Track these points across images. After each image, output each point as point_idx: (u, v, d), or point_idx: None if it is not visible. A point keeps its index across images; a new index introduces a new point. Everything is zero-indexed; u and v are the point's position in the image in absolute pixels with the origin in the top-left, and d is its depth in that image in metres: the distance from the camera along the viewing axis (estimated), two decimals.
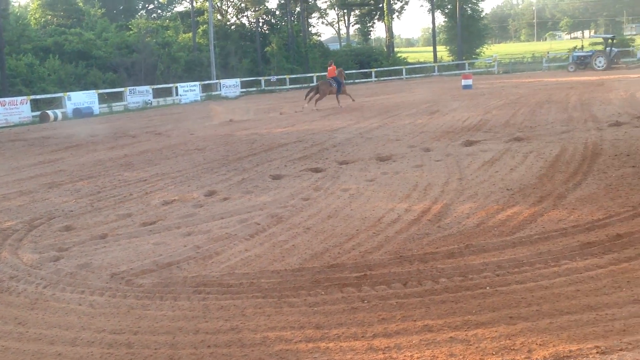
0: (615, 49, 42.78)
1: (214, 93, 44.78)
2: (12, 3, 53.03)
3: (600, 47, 45.41)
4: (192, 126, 23.11)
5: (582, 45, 51.39)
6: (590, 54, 43.18)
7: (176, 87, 42.20)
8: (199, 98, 42.63)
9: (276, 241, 7.38)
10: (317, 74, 51.61)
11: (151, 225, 8.43)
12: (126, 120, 29.11)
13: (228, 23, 62.70)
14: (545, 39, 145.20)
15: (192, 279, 6.15)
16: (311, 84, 49.24)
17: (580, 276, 5.46)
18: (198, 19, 56.10)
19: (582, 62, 42.39)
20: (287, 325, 4.90)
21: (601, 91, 24.05)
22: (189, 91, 42.48)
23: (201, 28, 55.41)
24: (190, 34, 53.45)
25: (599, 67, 40.59)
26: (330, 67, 28.13)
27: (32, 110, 32.26)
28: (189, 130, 21.42)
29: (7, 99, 31.66)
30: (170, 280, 6.16)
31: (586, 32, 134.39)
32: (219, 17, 61.34)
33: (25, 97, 32.51)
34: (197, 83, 44.01)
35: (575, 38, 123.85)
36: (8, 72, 36.90)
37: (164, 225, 8.42)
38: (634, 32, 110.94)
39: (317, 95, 27.19)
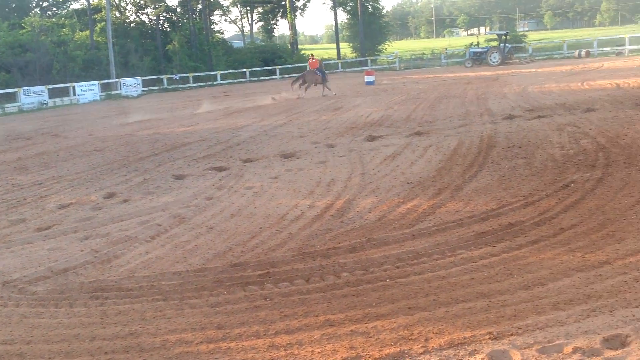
0: (508, 45, 44.55)
1: (114, 92, 43.47)
2: None
3: (495, 44, 47.13)
4: (91, 126, 22.36)
5: (478, 42, 53.28)
6: (485, 50, 44.76)
7: (73, 87, 40.64)
8: (98, 97, 41.26)
9: (178, 242, 7.27)
10: (221, 72, 51.10)
11: (46, 230, 8.11)
12: (20, 122, 27.78)
13: (127, 20, 60.95)
14: (444, 36, 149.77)
15: (89, 284, 5.95)
16: (216, 82, 48.80)
17: (474, 265, 5.67)
18: (95, 16, 54.26)
19: (478, 58, 43.90)
20: (188, 327, 4.83)
21: (496, 86, 25.01)
22: (87, 91, 41.03)
23: (99, 26, 53.62)
24: (88, 32, 51.64)
25: (493, 62, 42.16)
26: (312, 60, 30.08)
27: None
28: (87, 131, 20.71)
29: None
30: (66, 286, 5.95)
31: (482, 29, 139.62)
32: (118, 14, 59.52)
33: None
34: (95, 82, 42.56)
35: (471, 35, 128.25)
36: None
37: (60, 229, 8.12)
38: (526, 29, 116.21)
39: (305, 85, 28.42)
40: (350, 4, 66.30)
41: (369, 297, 5.15)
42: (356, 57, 61.99)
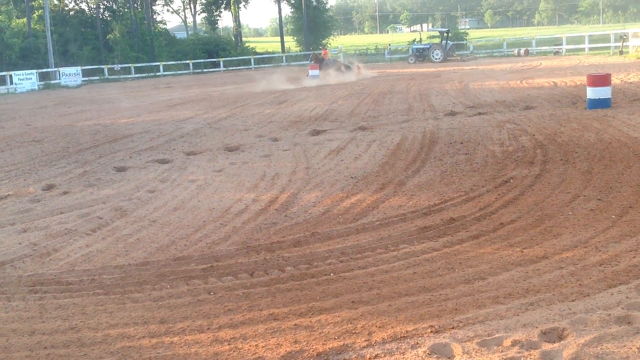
0: (450, 42, 45.31)
1: (53, 82, 42.35)
2: None
3: (437, 40, 47.85)
4: (28, 117, 21.76)
5: (421, 38, 53.80)
6: (428, 46, 45.37)
7: (10, 76, 39.44)
8: (36, 87, 40.14)
9: (120, 235, 7.17)
10: (164, 63, 50.34)
11: None
12: None
13: (66, 8, 59.40)
14: (387, 32, 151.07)
15: (27, 278, 5.82)
16: (159, 73, 48.01)
17: (417, 259, 5.77)
18: (33, 3, 52.66)
19: (421, 55, 44.49)
20: (130, 321, 4.77)
21: (438, 82, 25.40)
22: (24, 80, 39.86)
23: (36, 13, 52.01)
24: (25, 20, 50.08)
25: (436, 59, 42.79)
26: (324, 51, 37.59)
27: None
28: (25, 121, 20.15)
29: None
30: (4, 280, 5.80)
31: (425, 26, 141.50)
32: (56, 1, 57.93)
33: None
34: (33, 71, 41.39)
35: (415, 31, 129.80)
36: None
37: None
38: (467, 27, 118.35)
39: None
40: None
41: (313, 291, 5.18)
42: (300, 51, 61.99)
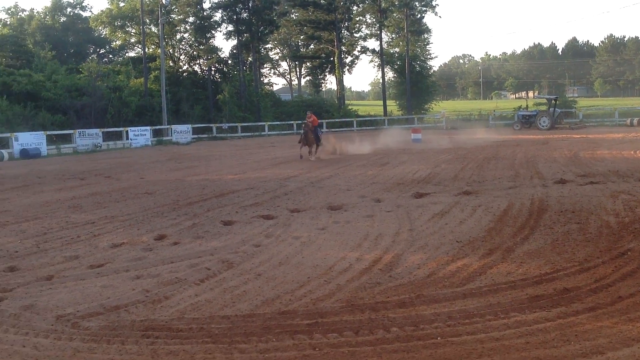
0: (558, 110, 44.33)
1: (165, 138, 44.51)
2: None
3: (544, 108, 46.96)
4: (142, 170, 22.87)
5: (527, 105, 53.03)
6: (534, 113, 44.58)
7: (127, 131, 41.81)
8: (149, 142, 42.30)
9: (227, 287, 7.31)
10: (269, 123, 51.97)
11: (99, 268, 8.25)
12: (75, 163, 28.60)
13: (180, 70, 62.82)
14: (491, 98, 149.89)
15: (140, 323, 6.02)
16: (264, 133, 49.54)
17: (529, 329, 5.56)
18: (150, 64, 56.00)
19: (527, 121, 43.74)
20: None
21: (546, 150, 24.82)
22: (139, 135, 42.12)
23: (153, 74, 55.30)
24: (142, 79, 53.25)
25: (543, 126, 41.91)
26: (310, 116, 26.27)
27: None
28: (139, 174, 21.18)
29: None
30: (118, 323, 6.02)
31: (530, 93, 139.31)
32: (171, 63, 61.39)
33: None
34: (148, 128, 43.71)
35: (520, 98, 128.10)
36: None
37: (112, 268, 8.25)
38: (576, 95, 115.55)
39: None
40: (398, 63, 67.12)
41: (420, 354, 5.08)
42: (402, 115, 62.41)
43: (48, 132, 36.76)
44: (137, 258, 8.82)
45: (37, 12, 76.65)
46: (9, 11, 76.40)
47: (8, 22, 73.77)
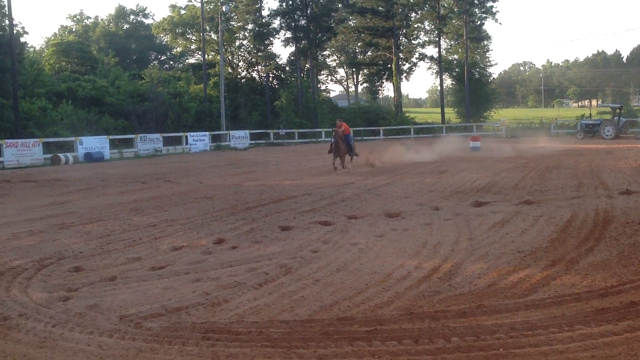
0: (623, 119, 43.11)
1: (223, 143, 45.19)
2: (27, 48, 54.00)
3: (608, 116, 45.74)
4: (201, 175, 23.23)
5: (590, 114, 51.81)
6: (598, 122, 43.49)
7: (186, 136, 42.63)
8: (208, 148, 43.03)
9: (285, 291, 7.33)
10: (326, 129, 52.16)
11: (160, 270, 8.40)
12: (136, 167, 29.30)
13: (239, 76, 63.71)
14: (553, 106, 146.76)
15: (200, 325, 6.09)
16: (320, 139, 49.71)
17: (595, 342, 5.39)
18: (209, 71, 56.96)
19: (591, 130, 42.70)
20: None
21: (610, 159, 24.16)
22: (198, 140, 42.88)
23: (212, 80, 56.24)
24: (202, 86, 54.20)
25: (607, 135, 40.84)
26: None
27: (44, 153, 32.57)
28: (198, 179, 21.52)
29: (19, 141, 32.02)
30: (179, 325, 6.11)
31: (594, 101, 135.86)
32: (230, 70, 62.35)
33: (37, 140, 32.86)
34: (206, 133, 44.47)
35: (582, 106, 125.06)
36: (21, 114, 37.31)
37: (172, 270, 8.39)
38: None
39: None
40: (457, 70, 66.44)
41: None
42: (461, 122, 61.73)
43: (111, 137, 37.80)
44: (196, 261, 8.95)
45: (102, 19, 78.68)
46: (75, 18, 78.79)
47: (74, 29, 76.11)
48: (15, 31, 39.23)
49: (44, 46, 70.16)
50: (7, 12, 37.94)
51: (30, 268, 8.62)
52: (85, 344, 5.63)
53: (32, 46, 73.20)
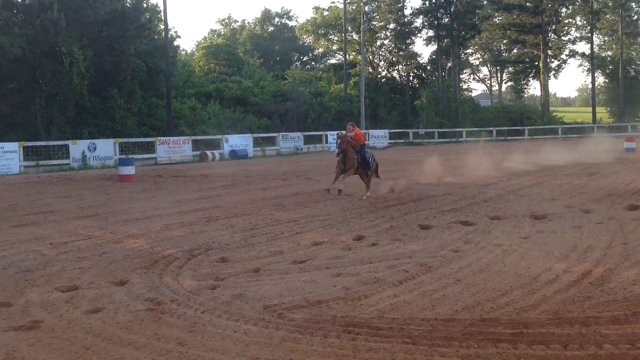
0: None
1: None
2: (180, 51, 57.16)
3: None
4: None
5: None
6: None
7: (326, 135, 43.32)
8: None
9: (425, 290, 7.23)
10: (467, 129, 51.13)
11: (301, 264, 8.58)
12: (278, 164, 30.18)
13: (379, 76, 63.89)
14: None
15: (341, 319, 6.14)
16: (461, 139, 48.79)
17: None
18: (350, 71, 57.59)
19: None
20: None
21: None
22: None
23: (353, 80, 56.81)
24: (342, 85, 54.87)
25: None
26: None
27: (193, 150, 34.38)
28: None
29: (171, 139, 34.06)
30: (320, 317, 6.19)
31: None
32: (371, 70, 62.68)
33: (187, 138, 34.79)
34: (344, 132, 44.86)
35: None
36: (173, 114, 39.64)
37: (313, 264, 8.53)
38: None
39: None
40: (610, 67, 62.82)
41: None
42: (613, 122, 58.30)
43: (254, 135, 39.18)
44: (336, 256, 9.04)
45: (248, 22, 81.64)
46: (223, 22, 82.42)
47: (222, 33, 79.61)
48: (169, 35, 41.69)
49: (194, 49, 74.20)
50: (162, 18, 40.44)
51: (181, 257, 9.10)
52: (232, 331, 5.84)
53: (183, 49, 77.36)
